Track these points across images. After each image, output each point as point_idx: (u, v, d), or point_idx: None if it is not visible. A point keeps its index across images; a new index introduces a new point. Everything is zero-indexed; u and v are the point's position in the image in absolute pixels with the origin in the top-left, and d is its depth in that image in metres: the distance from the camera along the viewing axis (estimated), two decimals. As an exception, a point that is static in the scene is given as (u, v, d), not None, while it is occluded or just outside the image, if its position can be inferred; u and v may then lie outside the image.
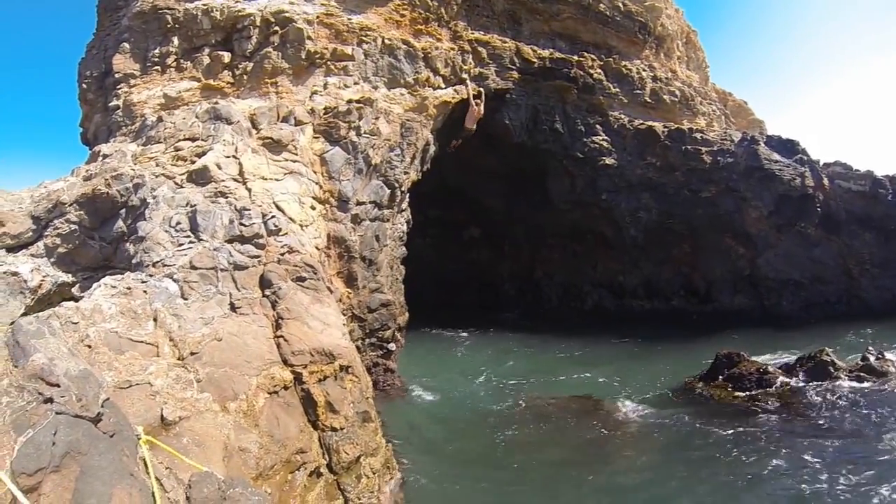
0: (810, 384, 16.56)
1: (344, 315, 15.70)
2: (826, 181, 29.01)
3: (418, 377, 19.18)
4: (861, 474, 11.07)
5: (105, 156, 16.42)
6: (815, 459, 11.79)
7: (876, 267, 28.57)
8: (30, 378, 4.49)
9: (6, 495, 3.56)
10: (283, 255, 12.96)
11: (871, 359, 17.48)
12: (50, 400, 4.33)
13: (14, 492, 3.50)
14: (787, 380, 17.11)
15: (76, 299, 10.49)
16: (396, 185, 20.90)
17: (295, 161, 17.93)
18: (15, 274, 12.05)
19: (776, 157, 29.16)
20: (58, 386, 4.48)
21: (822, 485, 10.74)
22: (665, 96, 31.80)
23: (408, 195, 22.69)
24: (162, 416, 7.01)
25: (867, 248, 28.80)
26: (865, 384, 16.25)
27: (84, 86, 21.36)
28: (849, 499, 10.28)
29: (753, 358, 18.58)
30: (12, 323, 6.23)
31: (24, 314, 11.28)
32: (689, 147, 29.38)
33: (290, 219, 15.35)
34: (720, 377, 17.86)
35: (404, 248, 22.78)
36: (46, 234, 13.34)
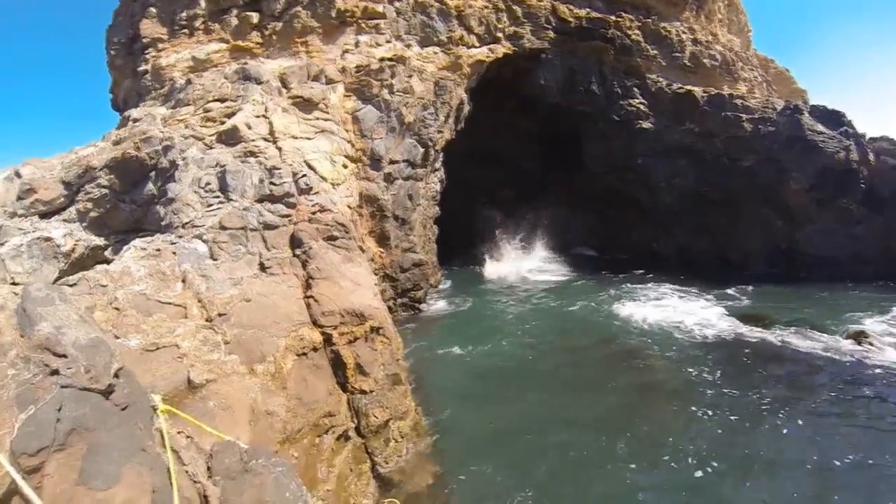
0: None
1: (376, 275, 15.55)
2: (871, 156, 27.43)
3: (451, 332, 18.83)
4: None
5: (135, 120, 16.37)
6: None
7: (919, 249, 27.09)
8: (36, 348, 4.28)
9: (5, 478, 3.40)
10: (314, 214, 12.73)
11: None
12: (56, 372, 4.13)
13: (13, 474, 3.31)
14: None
15: (109, 262, 10.49)
16: (430, 143, 20.53)
17: (326, 120, 17.65)
18: (48, 239, 12.13)
19: (820, 127, 27.63)
20: (65, 356, 4.25)
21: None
22: (705, 60, 30.47)
23: (442, 155, 22.33)
24: (189, 378, 6.91)
25: (910, 228, 27.31)
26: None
27: (112, 52, 21.32)
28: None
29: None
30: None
31: (58, 278, 11.37)
32: (729, 113, 28.08)
33: (322, 177, 15.11)
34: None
35: (437, 208, 22.51)
36: (78, 199, 13.37)
